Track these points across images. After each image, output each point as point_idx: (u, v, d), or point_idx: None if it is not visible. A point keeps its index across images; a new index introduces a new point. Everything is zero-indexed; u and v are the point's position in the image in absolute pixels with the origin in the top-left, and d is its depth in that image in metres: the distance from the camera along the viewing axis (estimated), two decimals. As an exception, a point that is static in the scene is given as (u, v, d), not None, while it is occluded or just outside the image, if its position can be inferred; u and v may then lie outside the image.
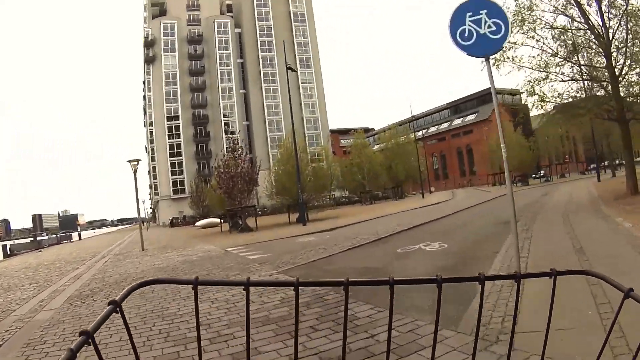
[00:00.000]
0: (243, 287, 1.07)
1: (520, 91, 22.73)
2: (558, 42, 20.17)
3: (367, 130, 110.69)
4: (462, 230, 17.08)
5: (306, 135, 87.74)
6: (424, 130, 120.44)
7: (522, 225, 14.15)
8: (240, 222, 31.74)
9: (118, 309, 0.97)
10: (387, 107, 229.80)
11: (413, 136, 74.35)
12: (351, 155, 73.70)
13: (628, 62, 18.91)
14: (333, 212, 46.41)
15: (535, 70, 20.24)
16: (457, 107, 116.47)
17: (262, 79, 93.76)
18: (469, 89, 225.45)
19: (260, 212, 55.95)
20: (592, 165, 77.25)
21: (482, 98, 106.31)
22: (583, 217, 15.25)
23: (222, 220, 38.60)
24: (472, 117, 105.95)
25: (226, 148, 49.66)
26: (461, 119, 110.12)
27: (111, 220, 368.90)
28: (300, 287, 1.07)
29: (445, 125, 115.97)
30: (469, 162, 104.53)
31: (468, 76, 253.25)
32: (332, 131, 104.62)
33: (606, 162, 67.50)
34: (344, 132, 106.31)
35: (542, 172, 71.65)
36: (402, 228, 19.50)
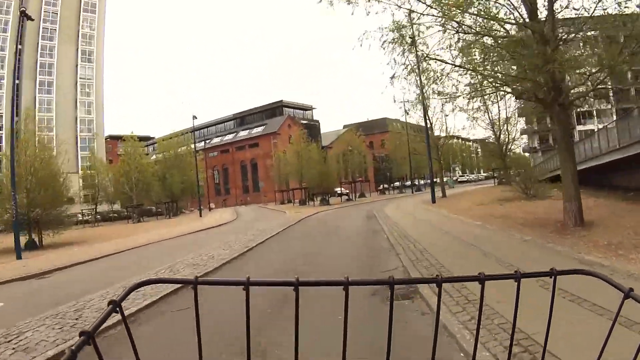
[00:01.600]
0: (243, 287, 1.08)
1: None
2: None
3: (149, 138, 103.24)
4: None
5: (78, 137, 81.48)
6: (206, 142, 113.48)
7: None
8: None
9: (118, 308, 0.98)
10: (182, 115, 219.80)
11: (193, 146, 65.95)
12: (119, 163, 63.02)
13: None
14: (85, 233, 37.47)
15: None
16: (243, 119, 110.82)
17: (39, 69, 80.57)
18: (256, 101, 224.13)
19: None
20: (382, 185, 78.94)
21: (272, 111, 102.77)
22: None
23: None
24: (259, 129, 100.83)
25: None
26: (247, 131, 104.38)
27: None
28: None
29: (229, 137, 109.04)
30: (253, 177, 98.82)
31: (256, 87, 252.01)
32: (112, 137, 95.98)
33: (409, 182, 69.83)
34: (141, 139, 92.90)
35: (339, 190, 68.91)
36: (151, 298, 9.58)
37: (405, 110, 35.92)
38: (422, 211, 26.52)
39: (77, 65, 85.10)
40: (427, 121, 32.71)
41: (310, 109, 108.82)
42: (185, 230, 30.27)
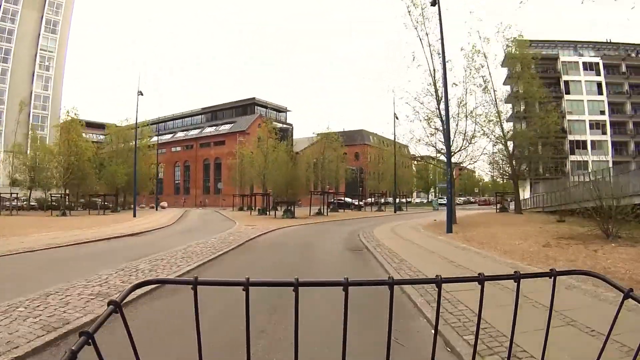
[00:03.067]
0: (243, 287, 1.08)
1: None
2: None
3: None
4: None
5: (31, 114, 73.20)
6: (170, 135, 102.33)
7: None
8: None
9: (118, 309, 0.99)
10: (148, 104, 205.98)
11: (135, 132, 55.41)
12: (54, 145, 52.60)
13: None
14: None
15: None
16: (212, 114, 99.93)
17: None
18: (229, 96, 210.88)
19: None
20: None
21: (243, 108, 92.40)
22: None
23: None
24: (227, 127, 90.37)
25: None
26: (214, 127, 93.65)
27: None
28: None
29: (194, 132, 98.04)
30: (216, 178, 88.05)
31: (230, 81, 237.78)
32: (89, 124, 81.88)
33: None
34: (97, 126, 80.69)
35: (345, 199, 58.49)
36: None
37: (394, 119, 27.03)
38: (453, 252, 14.06)
39: (39, 35, 75.72)
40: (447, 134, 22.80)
41: (285, 110, 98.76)
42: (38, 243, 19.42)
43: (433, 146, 27.61)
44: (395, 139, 46.87)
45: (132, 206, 64.44)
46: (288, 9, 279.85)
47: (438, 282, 1.10)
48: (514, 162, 39.49)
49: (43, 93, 76.14)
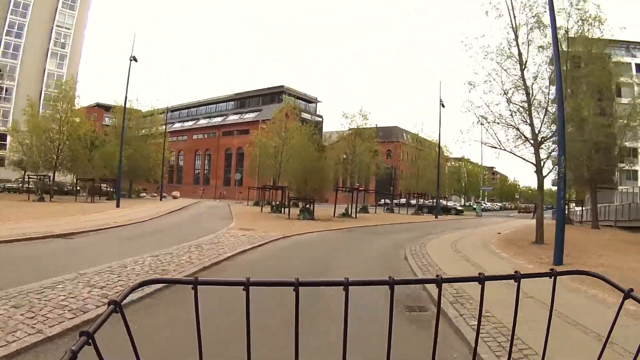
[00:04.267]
0: (243, 287, 1.08)
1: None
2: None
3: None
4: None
5: (43, 92, 65.16)
6: (193, 121, 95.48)
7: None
8: None
9: (118, 308, 0.97)
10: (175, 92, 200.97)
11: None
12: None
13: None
14: None
15: None
16: (239, 102, 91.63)
17: (11, 7, 64.73)
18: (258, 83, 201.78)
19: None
20: (386, 201, 61.25)
21: (271, 97, 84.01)
22: None
23: None
24: (251, 115, 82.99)
25: None
26: (239, 115, 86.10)
27: None
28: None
29: (218, 119, 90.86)
30: (238, 168, 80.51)
31: (239, 79, 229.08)
32: (100, 105, 79.84)
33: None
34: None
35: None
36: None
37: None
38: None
39: (56, 10, 69.01)
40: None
41: (315, 101, 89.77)
42: None
43: (516, 128, 18.33)
44: (440, 128, 38.73)
45: (140, 193, 59.30)
46: (295, 9, 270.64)
47: (438, 282, 1.09)
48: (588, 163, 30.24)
49: (57, 71, 68.51)
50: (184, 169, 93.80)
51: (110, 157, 46.55)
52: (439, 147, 42.63)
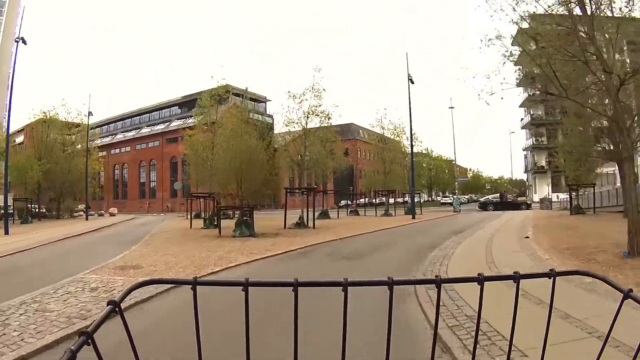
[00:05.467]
0: (242, 287, 1.05)
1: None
2: None
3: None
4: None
5: None
6: (135, 130, 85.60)
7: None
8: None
9: (117, 308, 0.95)
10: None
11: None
12: None
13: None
14: None
15: None
16: (183, 105, 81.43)
17: None
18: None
19: None
20: (347, 201, 53.17)
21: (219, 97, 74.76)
22: None
23: None
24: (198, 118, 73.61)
25: None
26: (183, 119, 76.31)
27: None
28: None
29: (161, 126, 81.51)
30: (183, 177, 71.78)
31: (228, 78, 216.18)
32: None
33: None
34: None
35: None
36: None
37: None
38: None
39: None
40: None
41: (265, 100, 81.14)
42: None
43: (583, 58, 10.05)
44: (411, 111, 31.01)
45: (73, 212, 50.35)
46: (284, 8, 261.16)
47: (438, 282, 1.06)
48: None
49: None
50: (129, 183, 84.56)
51: (22, 172, 38.93)
52: (411, 133, 34.98)
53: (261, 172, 21.06)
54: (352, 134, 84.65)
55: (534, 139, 66.57)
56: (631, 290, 1.05)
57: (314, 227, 23.41)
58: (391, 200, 42.51)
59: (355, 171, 71.87)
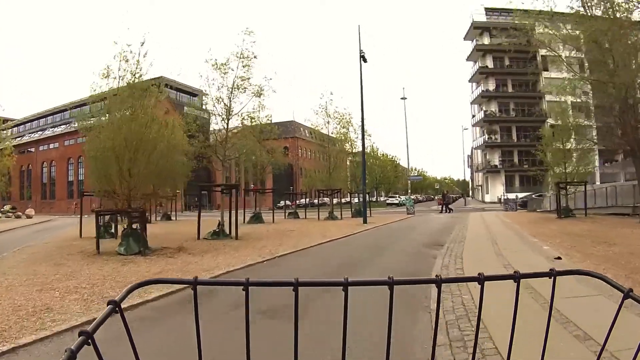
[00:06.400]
0: (242, 287, 1.04)
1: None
2: None
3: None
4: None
5: None
6: (65, 125, 79.22)
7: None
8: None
9: (117, 308, 0.94)
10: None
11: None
12: None
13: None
14: None
15: None
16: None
17: None
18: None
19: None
20: (286, 202, 49.93)
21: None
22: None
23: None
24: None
25: None
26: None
27: None
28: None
29: (93, 120, 72.90)
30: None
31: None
32: None
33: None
34: None
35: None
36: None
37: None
38: None
39: None
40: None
41: (201, 94, 74.04)
42: None
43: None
44: (362, 94, 25.85)
45: None
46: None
47: (438, 282, 1.03)
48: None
49: None
50: (57, 182, 77.46)
51: None
52: (362, 120, 29.78)
53: (160, 162, 14.77)
54: (293, 131, 79.92)
55: (486, 137, 63.63)
56: (631, 290, 1.01)
57: (236, 238, 17.88)
58: (335, 201, 37.14)
59: (295, 169, 67.21)
